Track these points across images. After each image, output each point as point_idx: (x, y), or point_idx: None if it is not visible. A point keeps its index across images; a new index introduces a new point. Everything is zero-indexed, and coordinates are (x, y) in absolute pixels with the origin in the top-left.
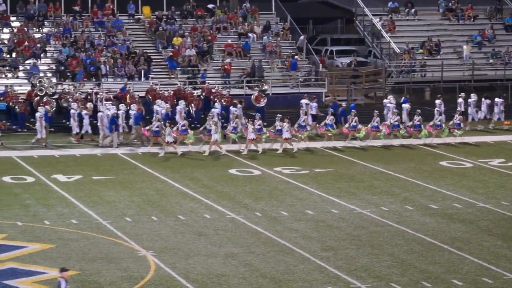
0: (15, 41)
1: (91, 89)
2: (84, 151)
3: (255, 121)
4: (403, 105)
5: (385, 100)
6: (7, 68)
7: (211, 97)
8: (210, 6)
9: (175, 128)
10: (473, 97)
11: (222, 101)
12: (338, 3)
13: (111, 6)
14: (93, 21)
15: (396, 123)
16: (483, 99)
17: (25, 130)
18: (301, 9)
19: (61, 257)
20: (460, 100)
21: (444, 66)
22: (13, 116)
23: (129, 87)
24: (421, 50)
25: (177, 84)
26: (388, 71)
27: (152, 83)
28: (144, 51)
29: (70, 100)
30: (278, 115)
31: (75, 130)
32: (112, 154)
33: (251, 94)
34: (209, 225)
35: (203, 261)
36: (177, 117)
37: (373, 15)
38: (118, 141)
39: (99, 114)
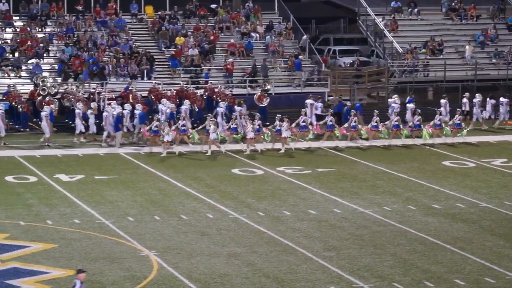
0: (18, 40)
1: (93, 88)
2: (87, 151)
3: (254, 121)
4: (408, 104)
5: (389, 100)
6: (10, 67)
7: (214, 96)
8: (213, 5)
9: (173, 128)
10: (478, 97)
11: (225, 100)
12: (341, 3)
13: (114, 6)
14: (96, 20)
15: (396, 123)
16: (488, 99)
17: (28, 129)
18: (304, 8)
19: (64, 256)
20: (464, 100)
21: (446, 65)
22: (16, 116)
23: (132, 87)
24: (423, 50)
25: (179, 84)
26: (390, 70)
27: (155, 82)
28: (147, 50)
29: (72, 99)
30: (278, 115)
31: (81, 129)
32: (114, 153)
33: (254, 94)
34: (212, 224)
35: (206, 261)
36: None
37: (376, 14)
38: (121, 141)
39: (104, 114)
